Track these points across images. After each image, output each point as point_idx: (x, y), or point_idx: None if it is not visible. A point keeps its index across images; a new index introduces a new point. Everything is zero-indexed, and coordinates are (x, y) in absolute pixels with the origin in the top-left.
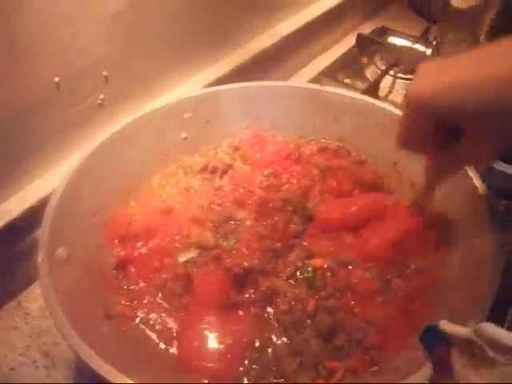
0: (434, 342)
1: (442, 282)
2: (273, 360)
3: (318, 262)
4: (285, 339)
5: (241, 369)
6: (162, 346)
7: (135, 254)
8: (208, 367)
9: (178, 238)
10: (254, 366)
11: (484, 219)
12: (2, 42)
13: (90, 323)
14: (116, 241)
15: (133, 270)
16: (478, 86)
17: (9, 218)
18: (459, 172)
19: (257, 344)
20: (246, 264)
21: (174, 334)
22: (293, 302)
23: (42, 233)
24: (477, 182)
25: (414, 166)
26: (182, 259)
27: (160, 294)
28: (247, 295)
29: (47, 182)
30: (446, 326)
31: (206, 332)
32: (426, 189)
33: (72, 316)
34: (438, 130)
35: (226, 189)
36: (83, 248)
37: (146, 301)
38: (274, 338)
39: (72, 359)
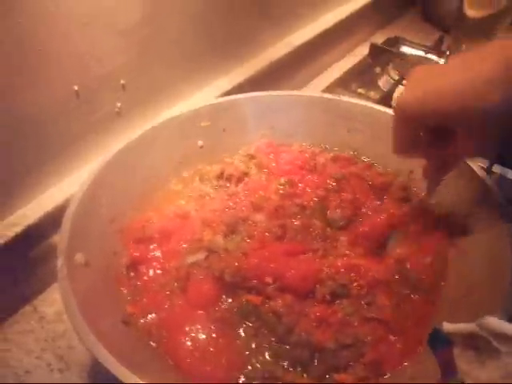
0: (439, 344)
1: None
2: (277, 374)
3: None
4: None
5: (242, 378)
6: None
7: (148, 256)
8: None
9: (190, 241)
10: (255, 379)
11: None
12: (19, 51)
13: (106, 327)
14: (132, 244)
15: (144, 270)
16: (456, 91)
17: (26, 223)
18: (458, 166)
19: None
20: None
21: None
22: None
23: (61, 238)
24: (488, 181)
25: None
26: (189, 261)
27: (163, 294)
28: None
29: (63, 189)
30: (447, 326)
31: (200, 336)
32: (428, 187)
33: (89, 319)
34: (428, 133)
35: (241, 195)
36: (100, 254)
37: (151, 301)
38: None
39: (86, 363)
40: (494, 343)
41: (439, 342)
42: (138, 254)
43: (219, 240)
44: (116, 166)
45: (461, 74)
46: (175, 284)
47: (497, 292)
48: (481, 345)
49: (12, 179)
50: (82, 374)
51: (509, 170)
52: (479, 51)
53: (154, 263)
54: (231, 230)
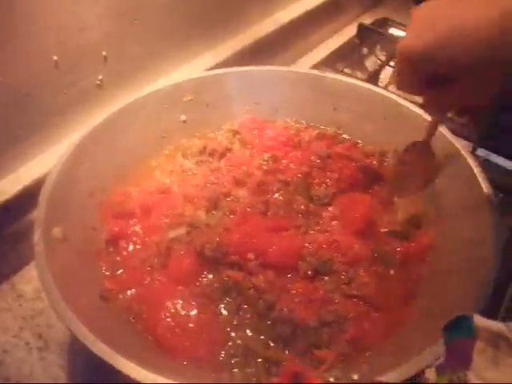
0: (461, 333)
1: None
2: (258, 350)
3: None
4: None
5: (222, 354)
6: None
7: (128, 231)
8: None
9: (171, 216)
10: (236, 355)
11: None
12: None
13: (85, 303)
14: (111, 218)
15: (124, 245)
16: (465, 38)
17: (2, 198)
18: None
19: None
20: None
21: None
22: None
23: (39, 212)
24: (476, 169)
25: None
26: (170, 236)
27: (143, 270)
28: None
29: (43, 162)
30: (478, 319)
31: (181, 311)
32: (429, 125)
33: (67, 295)
34: (431, 76)
35: (224, 171)
36: (79, 229)
37: (131, 276)
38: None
39: (65, 341)
40: None
41: (463, 330)
42: (117, 229)
43: (201, 215)
44: (96, 139)
45: (484, 10)
46: (155, 260)
47: (480, 267)
48: (502, 345)
49: None
50: (61, 352)
51: (493, 154)
52: None
53: (134, 238)
54: (213, 206)
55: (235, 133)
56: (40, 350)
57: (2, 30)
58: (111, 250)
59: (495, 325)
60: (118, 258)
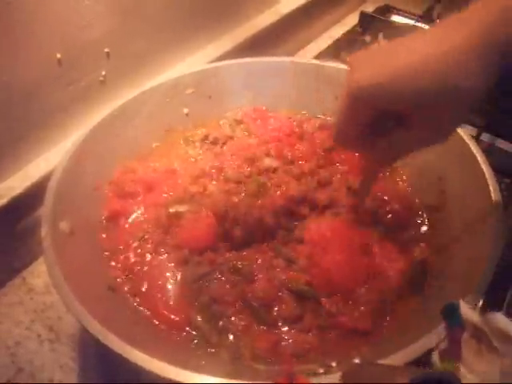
0: (455, 322)
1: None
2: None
3: None
4: None
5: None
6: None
7: (128, 208)
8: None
9: (172, 193)
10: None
11: (487, 195)
12: (1, 18)
13: (93, 294)
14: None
15: (123, 222)
16: (430, 65)
17: (12, 194)
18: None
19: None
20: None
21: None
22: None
23: (45, 206)
24: (480, 158)
25: None
26: (171, 210)
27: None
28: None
29: (49, 159)
30: (463, 308)
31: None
32: (361, 187)
33: (76, 287)
34: (377, 121)
35: (228, 155)
36: (85, 222)
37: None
38: None
39: (75, 333)
40: (495, 342)
41: (455, 320)
42: (118, 206)
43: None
44: (100, 134)
45: (433, 45)
46: (156, 232)
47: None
48: (483, 338)
49: None
50: (71, 343)
51: (498, 139)
52: (457, 17)
53: (135, 215)
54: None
55: (238, 122)
56: (51, 341)
57: (5, 31)
58: (111, 227)
59: (476, 316)
60: (118, 235)
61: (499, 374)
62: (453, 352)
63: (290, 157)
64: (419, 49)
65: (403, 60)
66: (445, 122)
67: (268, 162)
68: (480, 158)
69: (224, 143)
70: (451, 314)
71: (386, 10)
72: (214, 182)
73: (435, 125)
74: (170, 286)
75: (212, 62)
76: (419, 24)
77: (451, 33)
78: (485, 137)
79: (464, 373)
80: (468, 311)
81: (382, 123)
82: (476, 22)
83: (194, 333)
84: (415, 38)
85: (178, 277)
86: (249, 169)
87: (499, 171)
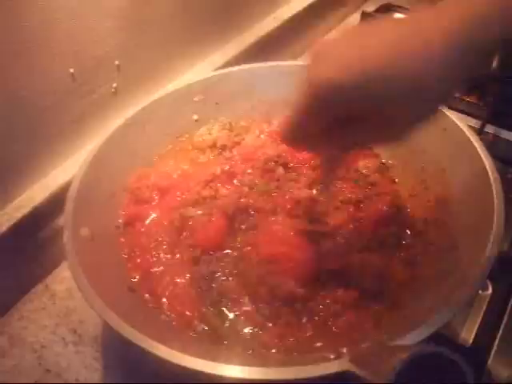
0: None
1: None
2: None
3: None
4: None
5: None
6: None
7: (144, 213)
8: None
9: (185, 197)
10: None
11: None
12: (14, 37)
13: (114, 295)
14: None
15: (139, 226)
16: (388, 67)
17: (32, 204)
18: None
19: None
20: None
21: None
22: None
23: (66, 214)
24: (481, 151)
25: None
26: (185, 213)
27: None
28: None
29: (66, 169)
30: None
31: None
32: (323, 182)
33: (98, 288)
34: (330, 119)
35: (238, 159)
36: (104, 228)
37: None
38: None
39: (98, 335)
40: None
41: None
42: (134, 211)
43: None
44: (114, 143)
45: (407, 38)
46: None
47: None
48: None
49: (17, 163)
50: (94, 345)
51: (503, 130)
52: (435, 8)
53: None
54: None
55: (246, 128)
56: (75, 344)
57: (22, 50)
58: (128, 231)
59: None
60: (135, 238)
61: None
62: None
63: (298, 160)
64: (390, 40)
65: (373, 54)
66: (401, 121)
67: (276, 166)
68: (480, 148)
69: (232, 148)
70: None
71: (388, 8)
72: (227, 186)
73: (392, 123)
74: (183, 285)
75: (218, 68)
76: None
77: (426, 25)
78: (490, 128)
79: None
80: None
81: (339, 120)
82: (456, 16)
83: (206, 328)
84: (386, 27)
85: (191, 275)
86: (258, 173)
87: (505, 162)
